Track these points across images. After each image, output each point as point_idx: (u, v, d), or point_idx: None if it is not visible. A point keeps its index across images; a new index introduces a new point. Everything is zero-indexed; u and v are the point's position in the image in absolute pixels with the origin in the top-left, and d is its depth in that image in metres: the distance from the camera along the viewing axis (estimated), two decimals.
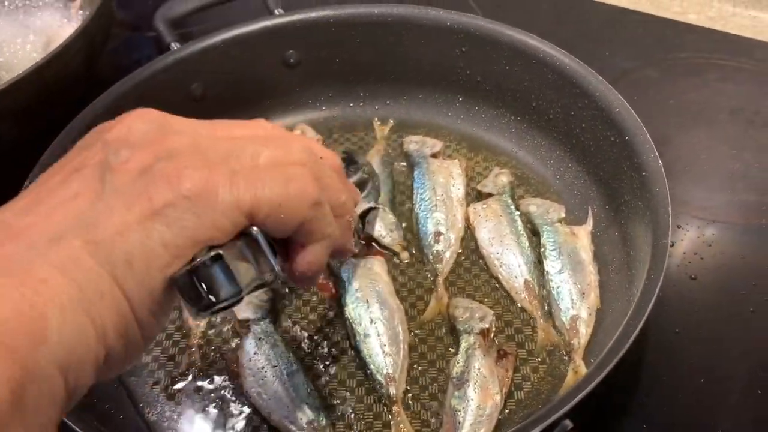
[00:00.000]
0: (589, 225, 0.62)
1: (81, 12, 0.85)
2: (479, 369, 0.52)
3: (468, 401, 0.51)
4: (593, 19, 0.92)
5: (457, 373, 0.53)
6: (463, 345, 0.54)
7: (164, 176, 0.30)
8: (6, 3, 0.90)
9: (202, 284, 0.31)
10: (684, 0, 0.93)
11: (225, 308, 0.32)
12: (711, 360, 0.55)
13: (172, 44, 0.70)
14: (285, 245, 0.36)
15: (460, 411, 0.50)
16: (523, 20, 0.93)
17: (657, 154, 0.54)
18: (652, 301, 0.44)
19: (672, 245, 0.63)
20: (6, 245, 0.28)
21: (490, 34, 0.67)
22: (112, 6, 0.80)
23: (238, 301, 0.32)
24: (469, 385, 0.51)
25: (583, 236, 0.61)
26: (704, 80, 0.82)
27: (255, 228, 0.32)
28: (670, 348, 0.56)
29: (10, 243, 0.28)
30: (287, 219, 0.33)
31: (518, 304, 0.58)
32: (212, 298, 0.31)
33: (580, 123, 0.63)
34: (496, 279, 0.61)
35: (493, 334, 0.56)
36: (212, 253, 0.31)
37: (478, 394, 0.51)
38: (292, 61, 0.73)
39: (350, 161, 0.51)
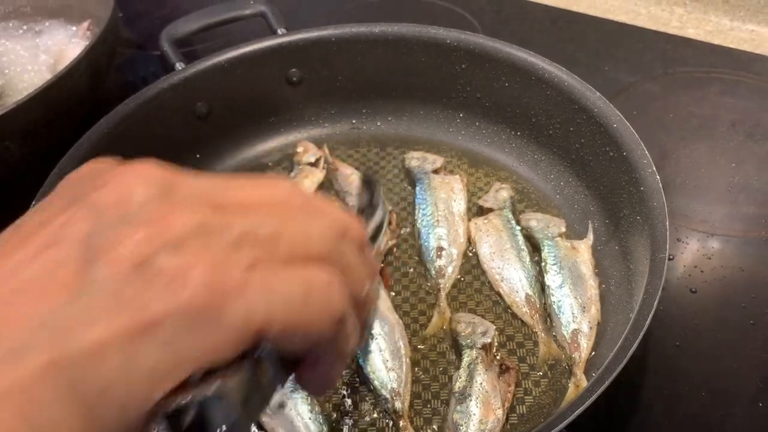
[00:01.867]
0: (589, 239, 0.62)
1: (89, 33, 0.86)
2: (481, 384, 0.53)
3: (470, 416, 0.51)
4: (593, 35, 0.93)
5: (459, 387, 0.53)
6: (466, 360, 0.55)
7: (164, 277, 0.23)
8: (17, 25, 0.92)
9: (196, 424, 0.24)
10: (683, 15, 0.94)
11: None
12: (711, 373, 0.55)
13: (177, 64, 0.72)
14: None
15: (462, 426, 0.51)
16: (523, 36, 0.95)
17: (654, 169, 0.55)
18: (650, 316, 0.45)
19: (672, 259, 0.64)
20: None
21: (489, 51, 0.68)
22: (118, 27, 0.81)
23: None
24: (471, 400, 0.52)
25: (583, 250, 0.61)
26: (704, 94, 0.82)
27: (265, 347, 0.26)
28: (670, 361, 0.56)
29: None
30: (303, 338, 0.27)
31: (520, 319, 0.59)
32: None
33: (579, 138, 0.64)
34: (498, 294, 0.61)
35: (495, 348, 0.56)
36: (210, 393, 0.24)
37: (480, 408, 0.51)
38: (295, 79, 0.75)
39: (369, 199, 0.43)
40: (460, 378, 0.54)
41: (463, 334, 0.56)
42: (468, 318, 0.58)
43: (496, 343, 0.56)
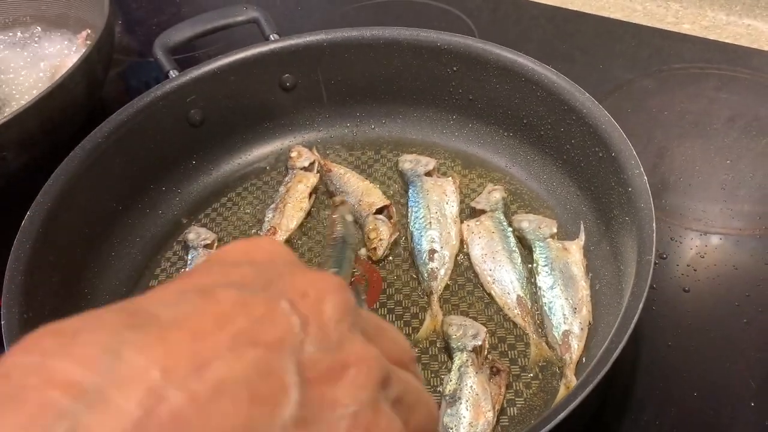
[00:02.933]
0: (581, 240, 0.62)
1: (88, 43, 0.87)
2: (471, 386, 0.53)
3: (460, 419, 0.51)
4: (588, 33, 0.92)
5: (449, 390, 0.53)
6: (456, 362, 0.55)
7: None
8: (17, 35, 0.93)
9: None
10: (678, 10, 0.93)
11: None
12: (704, 373, 0.55)
13: (171, 72, 0.72)
14: None
15: (452, 429, 0.51)
16: (519, 35, 0.95)
17: (642, 170, 0.55)
18: (635, 319, 0.45)
19: (665, 258, 0.63)
20: None
21: (479, 53, 0.68)
22: (113, 36, 0.82)
23: None
24: (461, 403, 0.52)
25: (575, 251, 0.61)
26: (700, 90, 0.82)
27: None
28: (663, 361, 0.56)
29: None
30: None
31: (512, 320, 0.59)
32: None
33: (569, 139, 0.64)
34: (490, 295, 0.61)
35: (486, 351, 0.56)
36: None
37: (470, 411, 0.51)
38: (288, 84, 0.75)
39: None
40: (451, 381, 0.54)
41: (454, 336, 0.56)
42: (459, 321, 0.58)
43: (487, 346, 0.57)
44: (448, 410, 0.52)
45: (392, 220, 0.67)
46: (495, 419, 0.52)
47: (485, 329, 0.57)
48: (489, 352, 0.57)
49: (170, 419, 0.18)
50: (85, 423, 0.17)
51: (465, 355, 0.55)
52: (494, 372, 0.55)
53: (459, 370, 0.54)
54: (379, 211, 0.68)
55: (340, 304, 0.23)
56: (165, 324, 0.20)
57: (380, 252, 0.64)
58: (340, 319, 0.23)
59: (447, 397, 0.53)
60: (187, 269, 0.66)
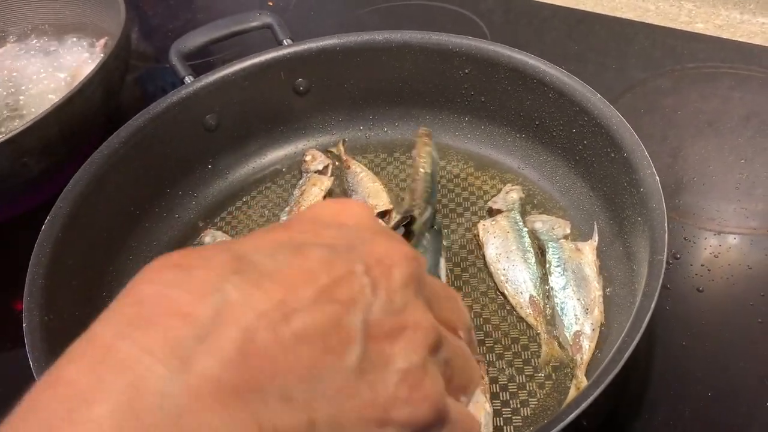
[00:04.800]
0: (594, 240, 0.62)
1: (106, 50, 0.89)
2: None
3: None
4: (601, 33, 0.92)
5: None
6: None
7: (411, 387, 0.25)
8: (36, 43, 0.95)
9: None
10: (692, 9, 0.93)
11: None
12: (718, 372, 0.55)
13: (186, 78, 0.73)
14: None
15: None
16: (532, 36, 0.95)
17: (654, 170, 0.55)
18: (646, 319, 0.45)
19: (679, 258, 0.63)
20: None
21: (490, 55, 0.68)
22: (130, 43, 0.83)
23: None
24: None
25: (588, 252, 0.61)
26: (714, 89, 0.82)
27: None
28: (676, 361, 0.56)
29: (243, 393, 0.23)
30: None
31: (525, 321, 0.59)
32: None
33: (581, 140, 0.64)
34: (503, 295, 0.62)
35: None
36: None
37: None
38: (301, 88, 0.76)
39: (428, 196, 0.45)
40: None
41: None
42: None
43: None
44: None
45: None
46: (491, 409, 0.52)
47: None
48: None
49: (260, 356, 0.22)
50: (196, 352, 0.21)
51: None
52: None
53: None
54: (382, 214, 0.68)
55: (408, 272, 0.26)
56: (263, 273, 0.24)
57: None
58: (406, 284, 0.26)
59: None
60: None
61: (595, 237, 0.62)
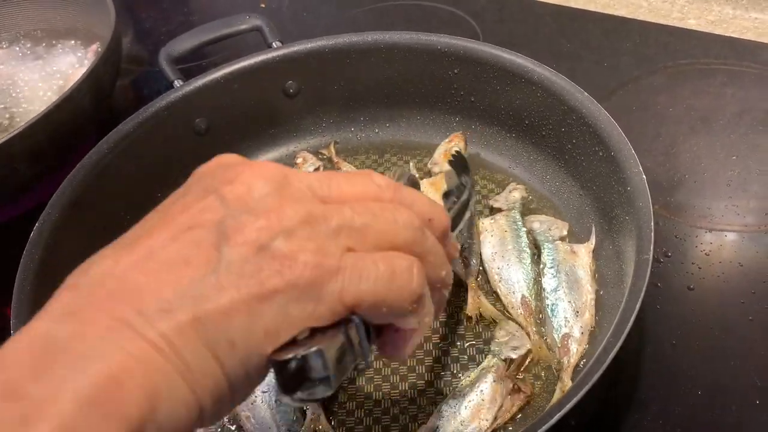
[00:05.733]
0: (591, 243, 0.61)
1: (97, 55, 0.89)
2: (482, 390, 0.53)
3: (455, 413, 0.52)
4: (594, 30, 0.92)
5: (463, 383, 0.54)
6: (483, 363, 0.55)
7: (278, 259, 0.30)
8: (28, 48, 0.95)
9: (299, 373, 0.30)
10: (684, 5, 0.92)
11: (314, 400, 0.32)
12: (708, 371, 0.55)
13: (175, 82, 0.73)
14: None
15: (443, 417, 0.51)
16: (524, 34, 0.94)
17: (641, 168, 0.54)
18: (632, 318, 0.45)
19: (669, 256, 0.63)
20: (118, 304, 0.28)
21: (478, 54, 0.68)
22: (120, 48, 0.83)
23: (329, 393, 0.31)
24: (464, 400, 0.52)
25: (583, 254, 0.60)
26: (707, 85, 0.81)
27: (356, 318, 0.32)
28: (666, 360, 0.56)
29: (122, 303, 0.28)
30: (387, 313, 0.33)
31: (516, 321, 0.59)
32: (305, 390, 0.31)
33: (571, 139, 0.64)
34: (495, 294, 0.61)
35: (520, 367, 0.55)
36: (313, 349, 0.30)
37: (468, 411, 0.52)
38: (291, 91, 0.76)
39: (450, 186, 0.53)
40: (469, 377, 0.54)
41: (496, 340, 0.56)
42: (513, 327, 0.58)
43: (526, 362, 0.55)
44: (450, 401, 0.52)
45: None
46: (489, 430, 0.51)
47: (529, 347, 0.56)
48: (521, 372, 0.55)
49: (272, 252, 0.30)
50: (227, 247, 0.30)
51: (494, 360, 0.55)
52: (515, 390, 0.54)
53: (481, 371, 0.54)
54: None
55: (261, 183, 0.32)
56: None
57: None
58: (260, 190, 0.32)
59: (457, 389, 0.53)
60: None
61: (592, 239, 0.61)
